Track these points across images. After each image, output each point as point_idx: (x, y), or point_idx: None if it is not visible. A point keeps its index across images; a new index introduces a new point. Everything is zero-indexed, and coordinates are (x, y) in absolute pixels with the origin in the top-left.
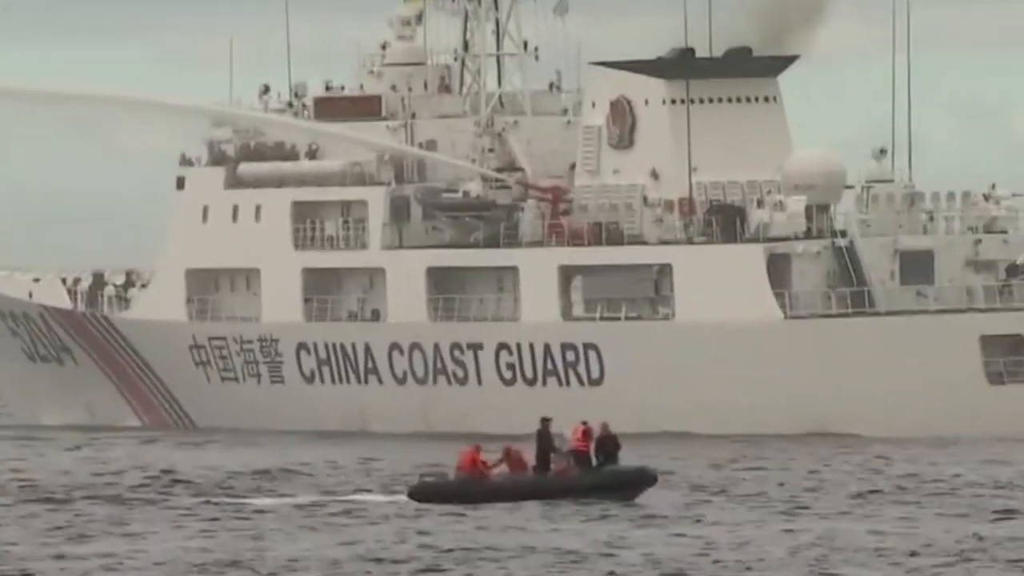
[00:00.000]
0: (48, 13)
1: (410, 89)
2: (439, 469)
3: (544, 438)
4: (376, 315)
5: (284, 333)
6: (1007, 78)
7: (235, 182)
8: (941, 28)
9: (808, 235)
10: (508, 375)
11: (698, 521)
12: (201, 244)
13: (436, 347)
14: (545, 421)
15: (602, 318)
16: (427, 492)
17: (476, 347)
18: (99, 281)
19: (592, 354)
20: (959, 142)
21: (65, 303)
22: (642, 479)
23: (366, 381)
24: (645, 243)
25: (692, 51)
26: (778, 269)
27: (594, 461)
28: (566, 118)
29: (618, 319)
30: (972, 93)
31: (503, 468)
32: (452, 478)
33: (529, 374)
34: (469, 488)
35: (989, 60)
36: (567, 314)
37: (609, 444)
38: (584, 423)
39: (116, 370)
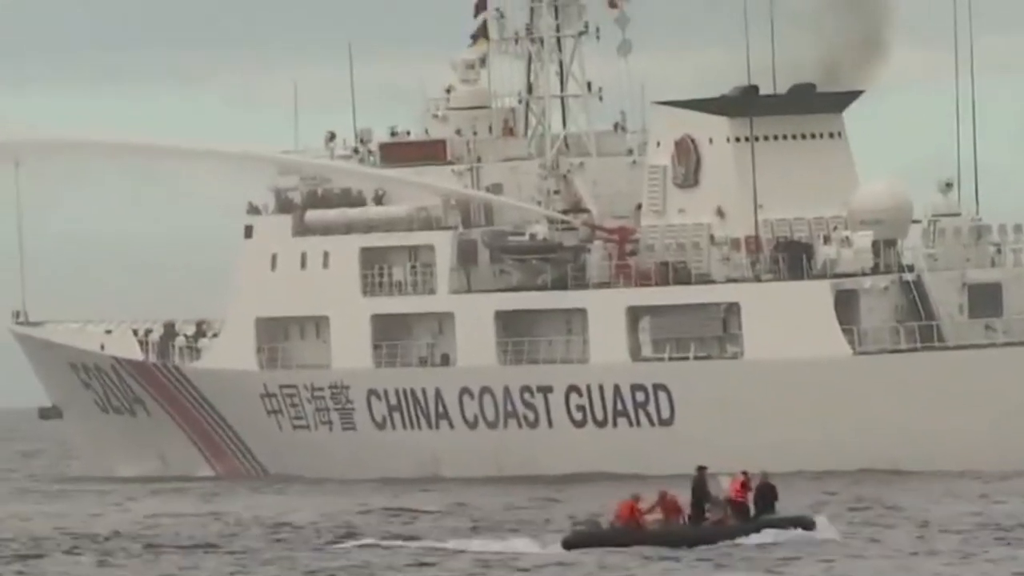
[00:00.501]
0: (114, 60)
1: (475, 133)
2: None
3: (700, 487)
4: (446, 360)
5: (354, 380)
6: None
7: (303, 229)
8: (1004, 55)
9: (875, 270)
10: (578, 417)
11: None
12: (270, 292)
13: (506, 390)
14: (701, 470)
15: (671, 358)
16: (582, 541)
17: (546, 390)
18: (170, 331)
19: (662, 394)
20: None
21: (136, 354)
22: (800, 527)
23: (437, 426)
24: (712, 282)
25: (756, 88)
26: (846, 305)
27: (752, 511)
28: (631, 158)
29: (687, 359)
30: None
31: (657, 513)
32: (606, 527)
33: (599, 415)
34: (625, 537)
35: None
36: (636, 355)
37: (768, 493)
38: (744, 473)
39: (188, 420)
